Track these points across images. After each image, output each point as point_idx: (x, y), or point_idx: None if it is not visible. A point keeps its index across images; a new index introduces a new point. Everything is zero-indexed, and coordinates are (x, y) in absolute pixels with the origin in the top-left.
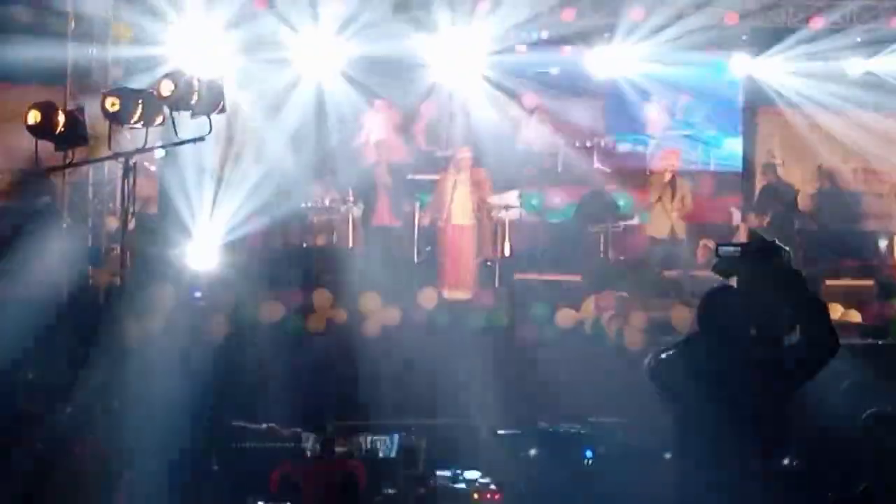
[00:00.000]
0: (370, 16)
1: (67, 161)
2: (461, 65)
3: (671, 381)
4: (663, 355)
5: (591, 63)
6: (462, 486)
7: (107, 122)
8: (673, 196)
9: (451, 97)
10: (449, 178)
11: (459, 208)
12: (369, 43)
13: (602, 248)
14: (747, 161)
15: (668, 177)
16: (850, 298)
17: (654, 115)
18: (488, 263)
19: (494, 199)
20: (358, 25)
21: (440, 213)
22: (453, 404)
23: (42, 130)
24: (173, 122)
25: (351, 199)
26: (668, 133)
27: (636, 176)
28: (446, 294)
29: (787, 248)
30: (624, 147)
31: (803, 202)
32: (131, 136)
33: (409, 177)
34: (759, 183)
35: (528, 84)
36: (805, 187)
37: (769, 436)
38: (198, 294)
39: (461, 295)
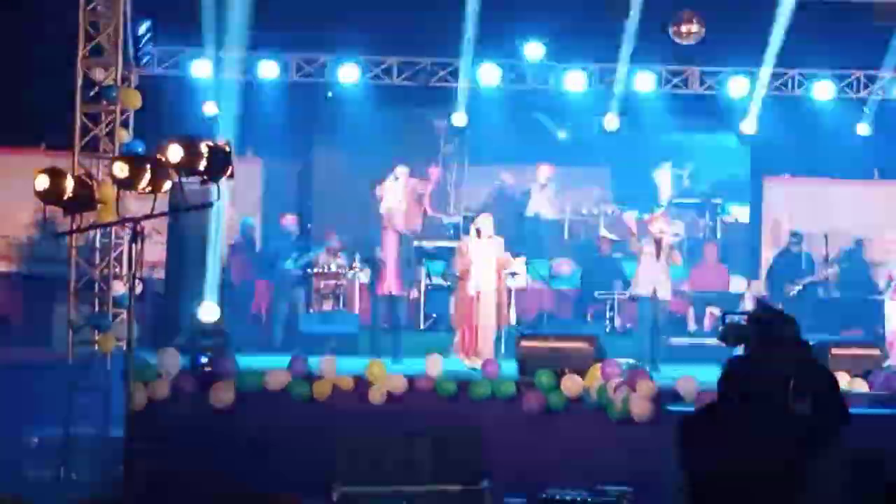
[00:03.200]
0: None
1: (75, 226)
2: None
3: (690, 449)
4: (685, 422)
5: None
6: None
7: (115, 187)
8: (658, 255)
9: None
10: (471, 246)
11: (483, 276)
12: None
13: (608, 316)
14: (754, 228)
15: (656, 234)
16: (857, 367)
17: (664, 181)
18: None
19: None
20: None
21: (464, 282)
22: (460, 471)
23: (50, 196)
24: (182, 188)
25: (357, 265)
26: (674, 200)
27: None
28: (467, 363)
29: (793, 317)
30: (630, 215)
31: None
32: (139, 202)
33: (416, 243)
34: (775, 249)
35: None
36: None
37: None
38: (204, 360)
39: (474, 364)
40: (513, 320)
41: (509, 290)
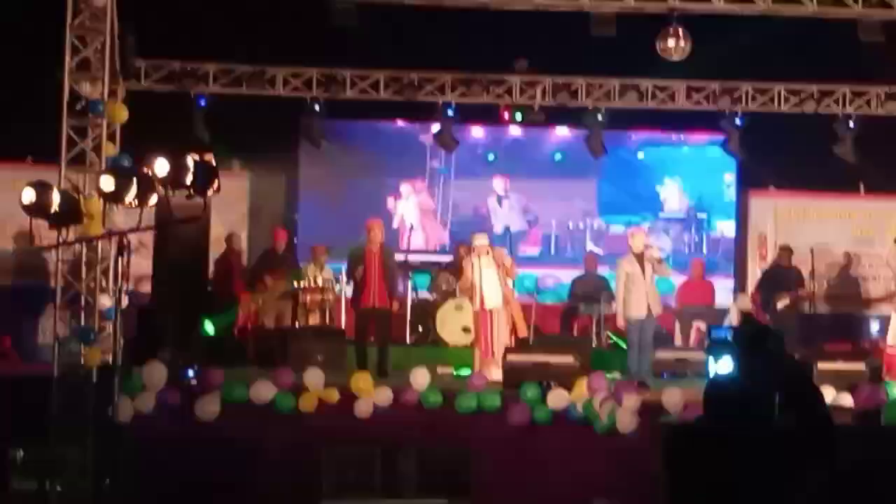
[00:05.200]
0: None
1: (61, 239)
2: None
3: (677, 462)
4: (673, 435)
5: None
6: None
7: (101, 201)
8: (644, 273)
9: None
10: (472, 265)
11: (492, 292)
12: None
13: (594, 330)
14: (739, 243)
15: (638, 251)
16: (842, 382)
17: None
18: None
19: None
20: None
21: (472, 301)
22: (446, 484)
23: (36, 209)
24: (168, 202)
25: (343, 278)
26: (660, 215)
27: None
28: (495, 374)
29: (779, 332)
30: (616, 228)
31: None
32: (125, 215)
33: (404, 257)
34: (761, 265)
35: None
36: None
37: None
38: (190, 373)
39: (497, 376)
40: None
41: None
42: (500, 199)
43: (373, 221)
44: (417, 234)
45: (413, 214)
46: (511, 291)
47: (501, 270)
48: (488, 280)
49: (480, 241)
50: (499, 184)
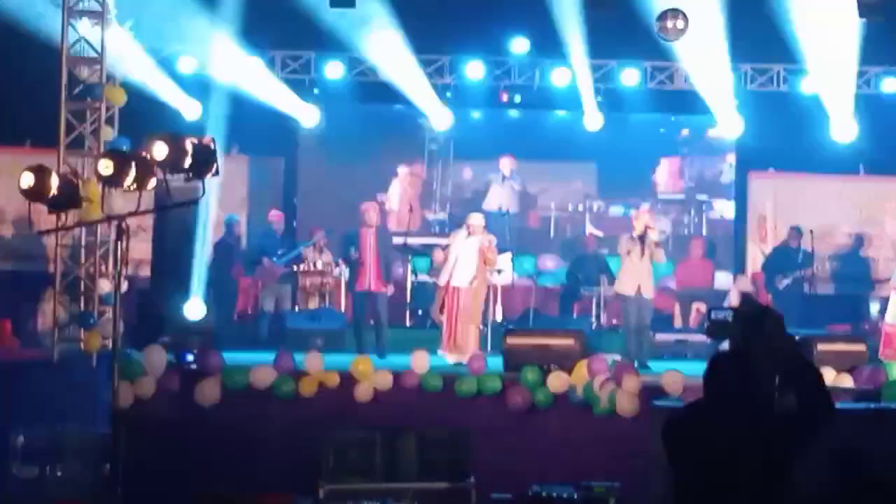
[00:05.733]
0: None
1: (60, 224)
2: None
3: (677, 445)
4: (673, 418)
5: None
6: None
7: (100, 185)
8: (642, 253)
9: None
10: (459, 243)
11: (462, 271)
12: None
13: (594, 312)
14: (740, 224)
15: (639, 231)
16: (843, 362)
17: (662, 175)
18: (481, 327)
19: None
20: None
21: (446, 276)
22: (446, 468)
23: (35, 194)
24: (167, 185)
25: (342, 262)
26: (659, 196)
27: None
28: (449, 357)
29: (779, 312)
30: (616, 210)
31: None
32: (124, 198)
33: (403, 240)
34: (761, 246)
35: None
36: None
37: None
38: (190, 357)
39: (463, 358)
40: (499, 317)
41: (494, 287)
42: (504, 179)
43: (368, 205)
44: (402, 216)
45: (396, 198)
46: (484, 278)
47: (480, 256)
48: (465, 258)
49: (476, 220)
50: (506, 164)
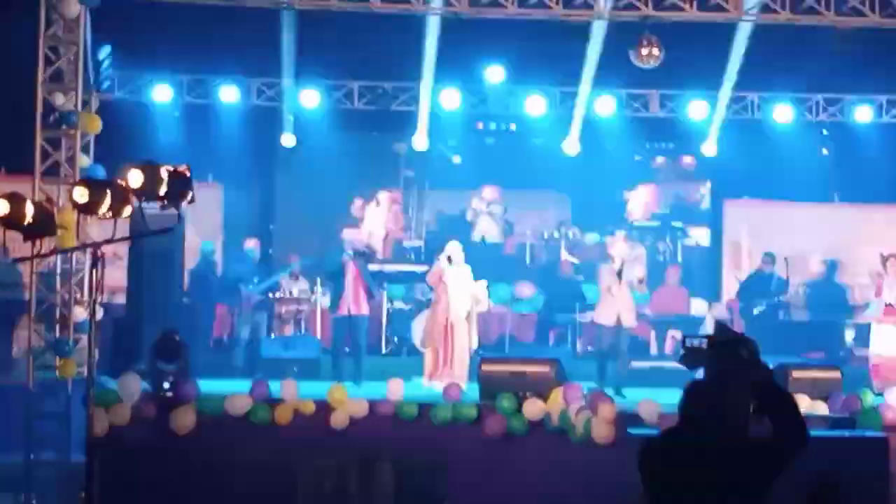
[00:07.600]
0: None
1: (35, 251)
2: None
3: (652, 473)
4: (648, 445)
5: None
6: None
7: (75, 213)
8: (619, 279)
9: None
10: (445, 273)
11: (458, 303)
12: None
13: (570, 339)
14: (715, 251)
15: (617, 265)
16: (817, 390)
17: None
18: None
19: None
20: None
21: (437, 305)
22: (421, 496)
23: (10, 221)
24: (142, 213)
25: (319, 288)
26: (635, 223)
27: None
28: (438, 386)
29: (753, 340)
30: (591, 237)
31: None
32: (99, 226)
33: (378, 267)
34: (736, 273)
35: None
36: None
37: None
38: (166, 385)
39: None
40: (475, 344)
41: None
42: (488, 206)
43: (349, 230)
44: (377, 243)
45: (379, 223)
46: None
47: (470, 288)
48: (457, 291)
49: (455, 250)
50: (489, 194)
